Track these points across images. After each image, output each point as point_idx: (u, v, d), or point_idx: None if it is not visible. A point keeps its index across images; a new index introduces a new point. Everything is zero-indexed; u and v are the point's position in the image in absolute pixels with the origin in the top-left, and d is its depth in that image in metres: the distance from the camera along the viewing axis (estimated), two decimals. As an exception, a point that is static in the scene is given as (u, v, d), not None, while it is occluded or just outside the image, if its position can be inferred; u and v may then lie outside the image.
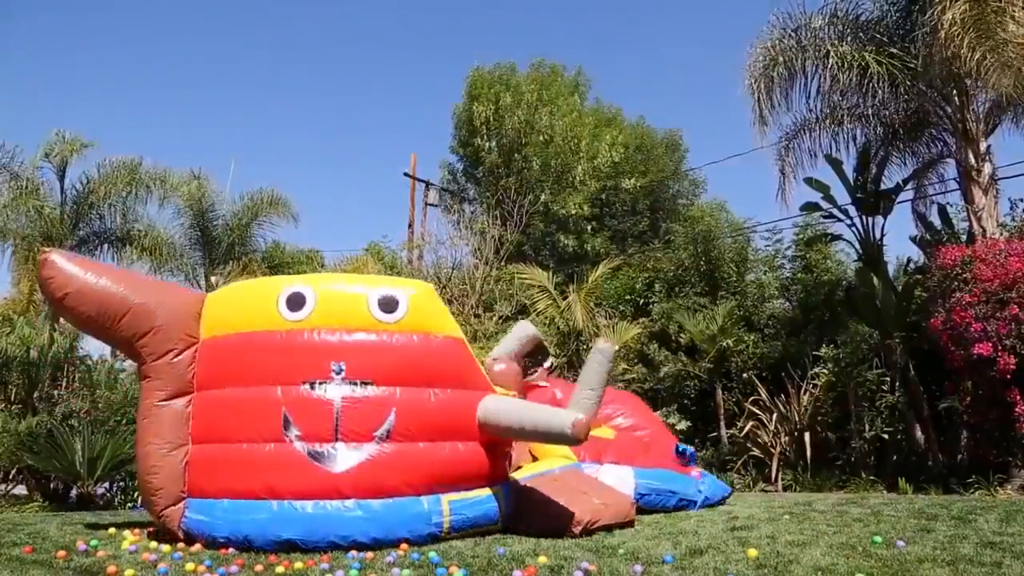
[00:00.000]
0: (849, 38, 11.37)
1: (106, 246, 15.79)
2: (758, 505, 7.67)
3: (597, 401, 7.02)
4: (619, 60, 48.78)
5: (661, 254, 17.07)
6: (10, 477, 10.23)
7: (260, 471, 5.08)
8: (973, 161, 10.88)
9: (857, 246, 12.67)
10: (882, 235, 12.40)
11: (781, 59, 11.51)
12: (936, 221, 12.31)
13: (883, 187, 12.64)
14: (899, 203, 12.73)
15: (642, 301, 15.56)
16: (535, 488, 5.93)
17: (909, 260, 14.03)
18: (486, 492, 5.59)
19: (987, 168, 10.92)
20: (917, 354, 11.44)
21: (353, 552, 4.85)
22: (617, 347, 6.79)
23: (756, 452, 11.84)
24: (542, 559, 4.57)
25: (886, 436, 11.22)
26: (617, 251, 20.71)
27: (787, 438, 11.68)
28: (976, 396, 9.52)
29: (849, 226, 12.68)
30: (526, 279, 14.64)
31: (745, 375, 13.10)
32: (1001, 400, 9.00)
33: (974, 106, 11.10)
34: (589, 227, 21.87)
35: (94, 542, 5.19)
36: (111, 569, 4.34)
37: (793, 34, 11.69)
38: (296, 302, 5.34)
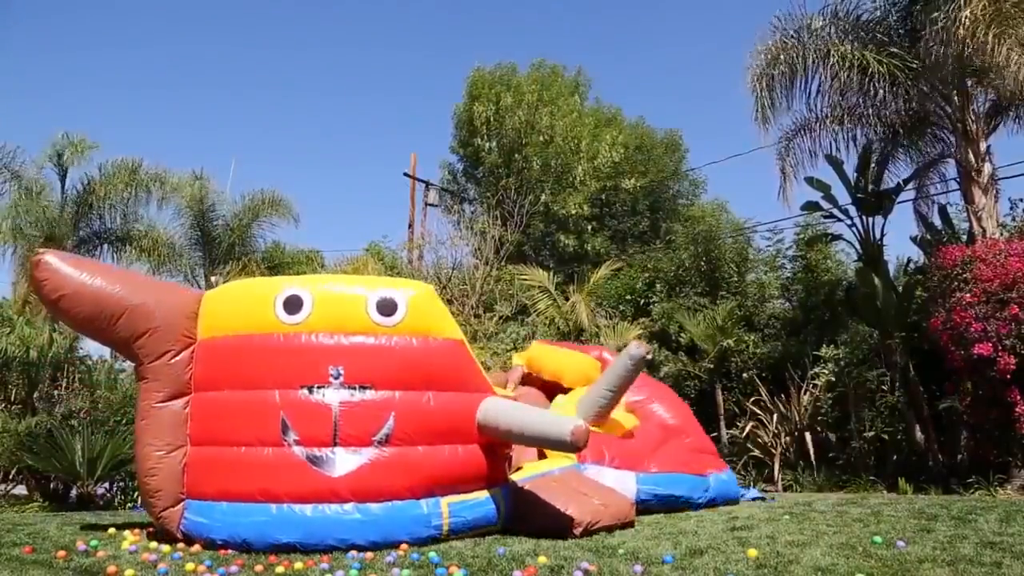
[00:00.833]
0: (850, 37, 11.36)
1: (106, 246, 15.81)
2: (758, 505, 7.67)
3: (611, 404, 7.00)
4: (619, 60, 48.80)
5: (661, 254, 17.06)
6: (10, 477, 10.23)
7: (259, 475, 5.06)
8: (973, 161, 10.88)
9: (857, 246, 12.67)
10: (882, 235, 12.40)
11: (782, 58, 11.51)
12: (936, 221, 12.32)
13: (884, 187, 12.65)
14: (899, 203, 12.74)
15: (642, 301, 15.56)
16: (535, 489, 5.91)
17: (909, 260, 14.03)
18: (485, 494, 5.57)
19: (987, 168, 10.93)
20: (917, 354, 11.44)
21: (353, 552, 4.85)
22: (650, 355, 6.66)
23: (756, 452, 11.84)
24: (542, 559, 4.57)
25: (886, 436, 11.22)
26: (617, 251, 20.72)
27: (787, 438, 11.67)
28: (976, 396, 9.52)
29: (849, 226, 12.68)
30: (526, 279, 14.64)
31: (745, 375, 13.10)
32: (1001, 400, 9.00)
33: (974, 106, 11.10)
34: (589, 227, 21.88)
35: (94, 542, 5.19)
36: (111, 569, 4.34)
37: (794, 34, 11.69)
38: (294, 304, 5.28)
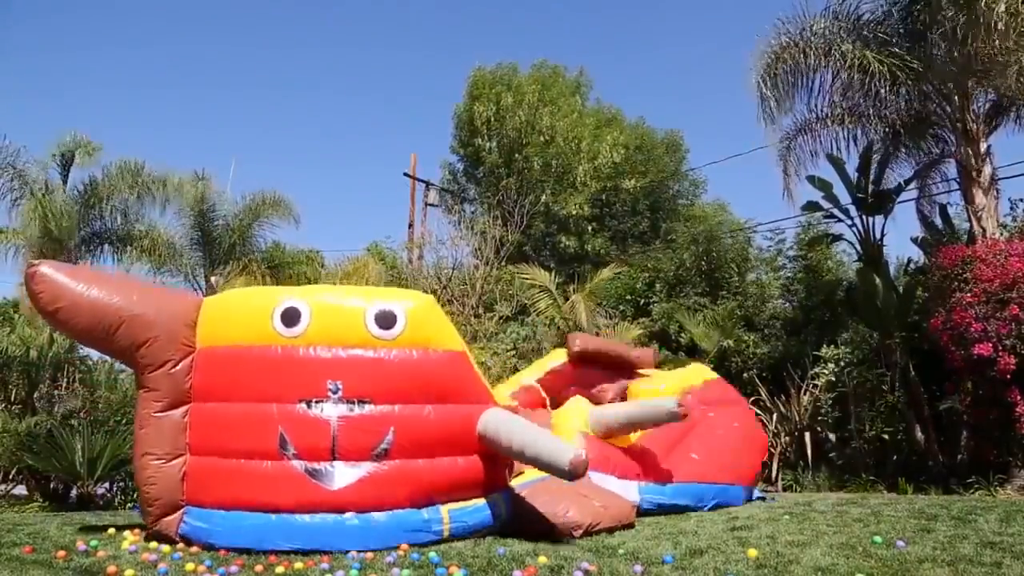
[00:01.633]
0: (851, 37, 11.36)
1: (107, 246, 15.83)
2: (758, 505, 7.66)
3: (623, 431, 7.02)
4: (620, 61, 48.82)
5: (662, 254, 17.07)
6: (10, 477, 10.23)
7: (258, 486, 5.04)
8: (973, 161, 10.88)
9: (858, 246, 12.68)
10: (882, 235, 12.41)
11: (783, 58, 11.51)
12: (937, 221, 12.31)
13: (884, 187, 12.65)
14: (900, 203, 12.75)
15: (643, 301, 15.56)
16: (535, 493, 5.87)
17: (909, 260, 14.04)
18: (485, 500, 5.54)
19: (987, 168, 10.93)
20: (917, 354, 11.44)
21: (353, 552, 4.84)
22: (687, 415, 6.82)
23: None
24: (542, 559, 4.57)
25: (886, 436, 11.22)
26: (618, 251, 20.73)
27: (787, 438, 11.68)
28: (976, 396, 9.52)
29: (850, 226, 12.69)
30: (527, 279, 14.64)
31: (746, 375, 13.10)
32: (1001, 400, 9.00)
33: (974, 106, 11.10)
34: (590, 227, 21.88)
35: (94, 542, 5.19)
36: (111, 569, 4.34)
37: (795, 34, 11.69)
38: (291, 317, 5.20)
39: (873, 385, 11.55)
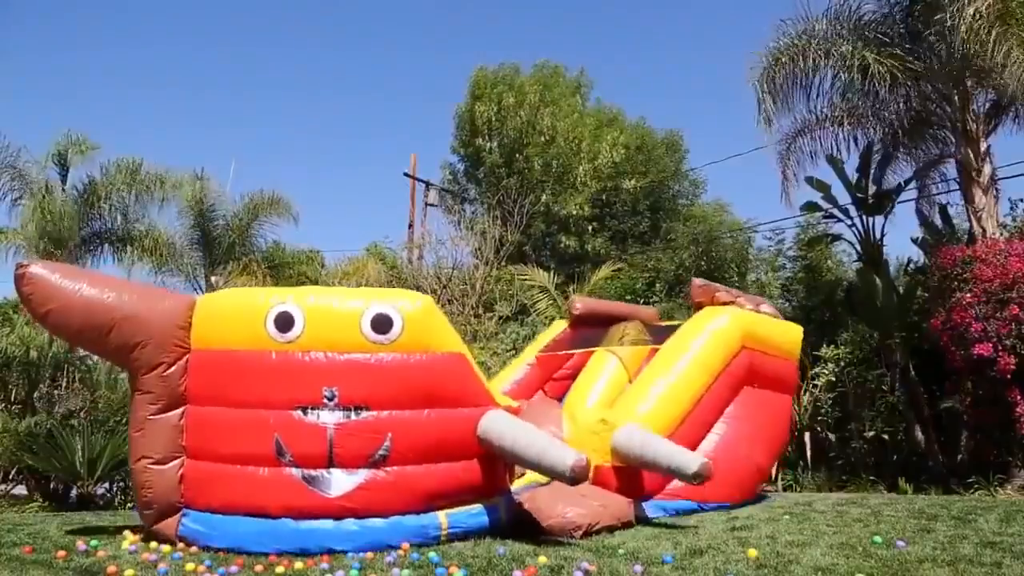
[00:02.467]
0: (851, 38, 11.37)
1: (107, 246, 15.82)
2: (758, 505, 7.66)
3: (639, 460, 6.74)
4: (620, 61, 48.83)
5: (662, 254, 17.08)
6: (10, 477, 10.23)
7: (255, 492, 5.01)
8: (973, 161, 10.88)
9: (858, 246, 12.68)
10: (882, 235, 12.42)
11: (783, 59, 11.52)
12: (937, 221, 12.32)
13: (884, 187, 12.65)
14: (900, 203, 12.75)
15: (643, 301, 15.55)
16: (535, 495, 5.84)
17: (909, 260, 14.05)
18: (485, 504, 5.50)
19: (987, 168, 10.93)
20: (917, 354, 11.44)
21: (353, 552, 4.85)
22: (701, 481, 6.29)
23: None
24: (542, 559, 4.57)
25: (886, 436, 11.22)
26: (618, 251, 20.72)
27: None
28: (976, 396, 9.53)
29: (850, 226, 12.69)
30: (526, 279, 14.64)
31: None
32: (1001, 400, 9.00)
33: (974, 106, 11.11)
34: (590, 227, 21.88)
35: (94, 542, 5.18)
36: (111, 569, 4.34)
37: (795, 35, 11.69)
38: (285, 322, 5.10)
39: (873, 385, 11.55)
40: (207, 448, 5.20)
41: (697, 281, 8.42)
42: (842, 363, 11.81)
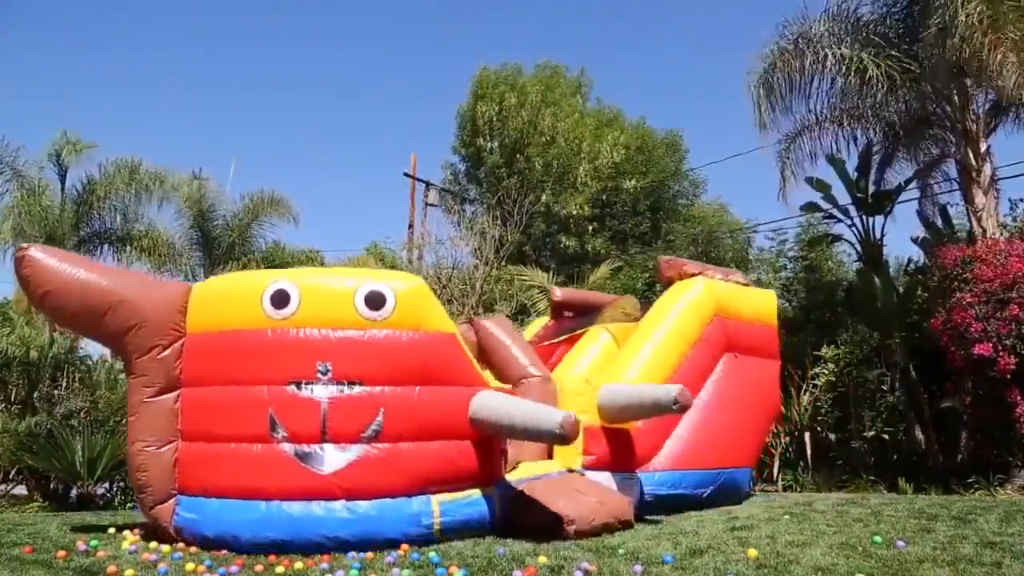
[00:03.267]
0: (849, 39, 11.38)
1: (106, 246, 15.83)
2: (758, 505, 7.66)
3: (624, 407, 6.82)
4: (621, 61, 48.85)
5: (662, 254, 17.05)
6: (10, 477, 10.22)
7: (248, 471, 5.04)
8: (973, 161, 10.89)
9: (858, 246, 12.69)
10: (882, 235, 12.43)
11: (782, 60, 11.54)
12: (937, 221, 12.32)
13: (884, 187, 12.66)
14: (900, 203, 12.76)
15: (642, 301, 15.55)
16: (531, 489, 5.82)
17: (909, 260, 14.06)
18: (478, 493, 5.50)
19: (987, 168, 10.94)
20: (917, 354, 11.44)
21: (353, 552, 4.85)
22: (682, 408, 6.42)
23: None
24: (542, 559, 4.57)
25: (886, 436, 11.22)
26: (618, 251, 20.72)
27: (787, 438, 11.67)
28: (976, 396, 9.52)
29: (850, 226, 12.70)
30: (526, 279, 14.64)
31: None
32: (1001, 400, 9.00)
33: (974, 106, 11.11)
34: (590, 227, 21.89)
35: (94, 542, 5.19)
36: (111, 569, 4.34)
37: (794, 35, 11.70)
38: (280, 299, 5.20)
39: (873, 385, 11.55)
40: (201, 429, 5.26)
41: (664, 258, 8.73)
42: (842, 363, 11.81)
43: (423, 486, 5.22)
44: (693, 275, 8.16)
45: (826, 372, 11.88)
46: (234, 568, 4.42)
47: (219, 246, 16.59)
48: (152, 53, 68.61)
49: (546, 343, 9.08)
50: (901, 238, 52.82)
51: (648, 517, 6.57)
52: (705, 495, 7.34)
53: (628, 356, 7.42)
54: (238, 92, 69.46)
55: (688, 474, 7.22)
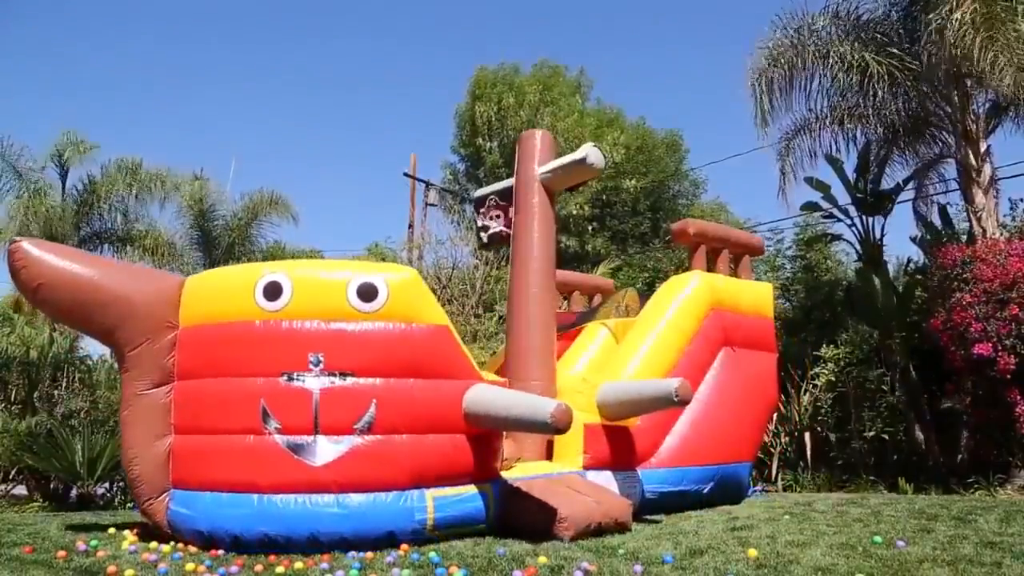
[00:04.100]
0: (850, 38, 11.37)
1: (107, 246, 15.83)
2: (758, 505, 7.66)
3: (624, 403, 6.81)
4: (620, 61, 48.85)
5: (662, 254, 17.07)
6: (10, 477, 10.23)
7: (241, 463, 5.04)
8: (973, 161, 10.88)
9: (857, 246, 12.68)
10: (882, 235, 12.42)
11: (782, 59, 11.53)
12: (936, 221, 12.32)
13: (883, 187, 12.66)
14: (899, 203, 12.76)
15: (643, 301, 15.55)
16: (528, 487, 5.78)
17: (909, 260, 14.06)
18: (473, 489, 5.48)
19: (987, 168, 10.93)
20: (917, 354, 11.44)
21: (353, 552, 4.85)
22: (682, 401, 6.40)
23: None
24: (542, 559, 4.57)
25: (886, 436, 11.22)
26: (618, 251, 20.73)
27: (787, 438, 11.68)
28: (976, 396, 9.53)
29: (849, 226, 12.70)
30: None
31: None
32: (1001, 400, 9.00)
33: (974, 106, 11.11)
34: (590, 227, 21.90)
35: (94, 542, 5.19)
36: (111, 569, 4.34)
37: (794, 34, 11.70)
38: (273, 291, 5.21)
39: (873, 385, 11.55)
40: (194, 422, 5.27)
41: (683, 221, 8.72)
42: (842, 363, 11.81)
43: (417, 480, 5.21)
44: (713, 239, 8.38)
45: (826, 372, 11.88)
46: (234, 568, 4.42)
47: (219, 246, 16.59)
48: (152, 53, 68.61)
49: None
50: (901, 238, 52.93)
51: (648, 517, 6.57)
52: (707, 491, 7.33)
53: (626, 352, 7.42)
54: (238, 92, 69.50)
55: (689, 470, 7.20)
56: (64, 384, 11.22)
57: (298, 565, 4.52)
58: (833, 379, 11.77)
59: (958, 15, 9.49)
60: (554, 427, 5.09)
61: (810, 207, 13.20)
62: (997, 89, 9.85)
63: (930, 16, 9.98)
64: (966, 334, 9.06)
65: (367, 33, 66.32)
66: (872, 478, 10.44)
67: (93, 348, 13.60)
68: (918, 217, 12.89)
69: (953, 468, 10.12)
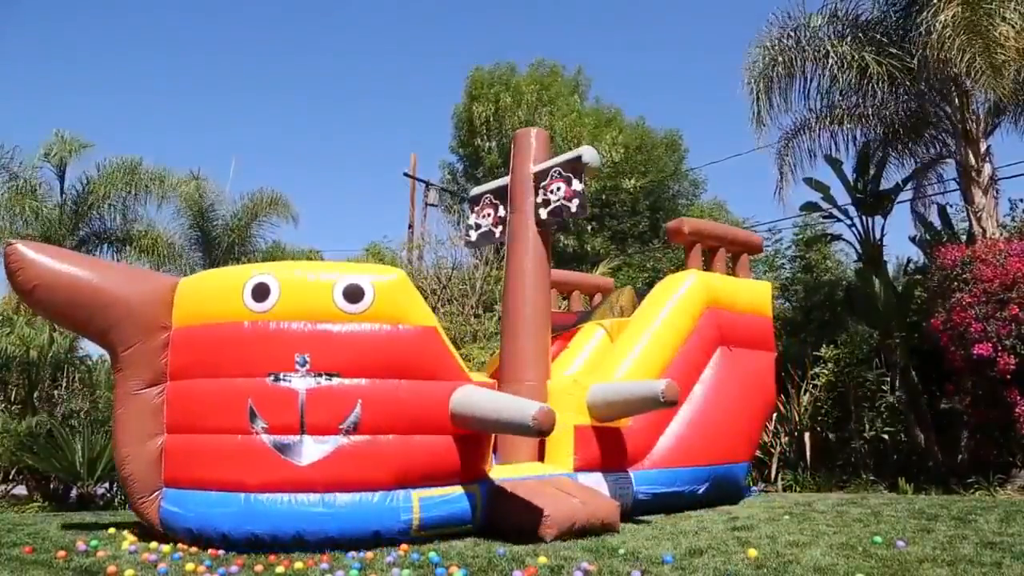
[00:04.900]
0: (849, 38, 11.37)
1: (106, 246, 15.80)
2: (758, 505, 7.66)
3: (613, 404, 6.79)
4: (619, 60, 48.85)
5: (661, 254, 17.08)
6: (10, 477, 10.23)
7: (229, 463, 5.10)
8: (973, 161, 10.88)
9: (857, 246, 12.68)
10: (882, 235, 12.41)
11: (780, 59, 11.52)
12: (936, 221, 12.32)
13: (883, 187, 12.65)
14: (899, 203, 12.75)
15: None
16: (515, 488, 5.76)
17: (909, 260, 14.06)
18: (460, 490, 5.49)
19: (987, 168, 10.93)
20: (917, 354, 11.44)
21: (353, 552, 4.86)
22: (670, 401, 6.36)
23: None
24: (542, 559, 4.57)
25: (886, 436, 11.22)
26: (617, 251, 20.73)
27: (787, 438, 11.68)
28: (976, 396, 9.52)
29: (849, 226, 12.69)
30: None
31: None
32: (1001, 400, 9.00)
33: (974, 106, 11.10)
34: (589, 227, 21.88)
35: (94, 542, 5.19)
36: (111, 569, 4.34)
37: (792, 34, 11.69)
38: (261, 293, 5.26)
39: (873, 385, 11.55)
40: (185, 421, 5.35)
41: (678, 220, 8.68)
42: (842, 363, 11.81)
43: (402, 480, 5.23)
44: (709, 237, 8.38)
45: (826, 372, 11.87)
46: (234, 568, 4.43)
47: (219, 246, 16.57)
48: (152, 53, 68.60)
49: None
50: (901, 238, 52.94)
51: (647, 517, 6.57)
52: (701, 492, 7.31)
53: (620, 353, 7.41)
54: (238, 92, 69.49)
55: (683, 471, 7.18)
56: (64, 384, 11.23)
57: (298, 565, 4.52)
58: (833, 379, 11.77)
59: (942, 18, 9.51)
60: (536, 429, 5.10)
61: (810, 207, 13.20)
62: (982, 89, 9.84)
63: (919, 19, 10.02)
64: (966, 334, 9.06)
65: (367, 33, 66.36)
66: (872, 478, 10.44)
67: (93, 348, 13.55)
68: (917, 217, 12.89)
69: (953, 468, 10.12)
